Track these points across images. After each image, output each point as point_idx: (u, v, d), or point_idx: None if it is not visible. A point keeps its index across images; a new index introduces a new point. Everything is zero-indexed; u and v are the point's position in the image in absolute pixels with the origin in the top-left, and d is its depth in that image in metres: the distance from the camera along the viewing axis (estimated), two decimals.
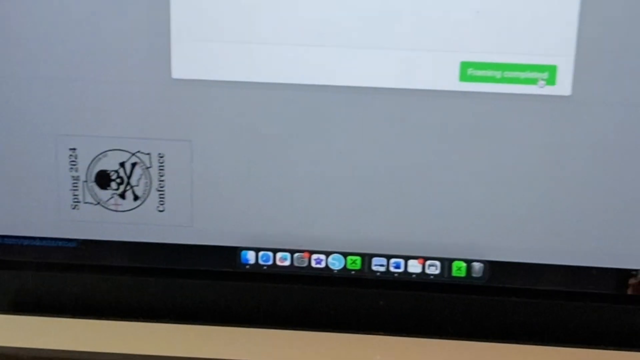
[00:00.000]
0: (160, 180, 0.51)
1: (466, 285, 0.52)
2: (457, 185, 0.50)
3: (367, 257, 0.52)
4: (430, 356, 0.50)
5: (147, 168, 0.51)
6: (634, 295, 0.51)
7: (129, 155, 0.51)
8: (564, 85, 0.48)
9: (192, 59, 0.49)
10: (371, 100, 0.49)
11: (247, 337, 0.51)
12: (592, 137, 0.49)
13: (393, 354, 0.50)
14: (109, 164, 0.51)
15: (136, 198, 0.52)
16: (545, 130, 0.49)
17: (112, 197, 0.52)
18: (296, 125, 0.50)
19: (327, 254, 0.52)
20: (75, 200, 0.52)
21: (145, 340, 0.51)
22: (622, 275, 0.51)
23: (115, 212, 0.52)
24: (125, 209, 0.52)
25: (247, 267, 0.52)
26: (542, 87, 0.48)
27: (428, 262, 0.52)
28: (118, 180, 0.52)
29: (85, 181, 0.52)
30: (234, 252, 0.52)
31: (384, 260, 0.52)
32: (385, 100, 0.49)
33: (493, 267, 0.51)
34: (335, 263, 0.52)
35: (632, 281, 0.51)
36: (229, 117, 0.50)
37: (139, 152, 0.51)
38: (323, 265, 0.52)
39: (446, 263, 0.52)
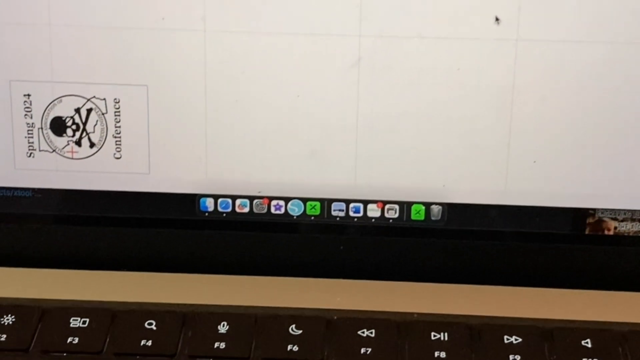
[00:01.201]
0: (117, 127, 0.51)
1: (425, 228, 0.52)
2: (415, 128, 0.50)
3: (326, 203, 0.52)
4: (390, 299, 0.50)
5: (103, 114, 0.51)
6: (592, 235, 0.51)
7: (84, 100, 0.51)
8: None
9: None
10: (326, 44, 0.49)
11: (207, 284, 0.51)
12: (543, 76, 0.49)
13: (353, 298, 0.50)
14: (64, 110, 0.51)
15: (92, 145, 0.51)
16: (498, 69, 0.49)
17: (68, 144, 0.51)
18: (253, 70, 0.50)
19: (287, 200, 0.52)
20: (31, 147, 0.51)
21: (103, 288, 0.50)
22: (580, 215, 0.51)
23: (71, 160, 0.51)
24: (82, 157, 0.51)
25: (206, 214, 0.52)
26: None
27: (387, 206, 0.52)
28: (74, 127, 0.51)
29: (41, 128, 0.51)
30: (192, 200, 0.52)
31: (343, 205, 0.52)
32: (341, 44, 0.49)
33: (452, 209, 0.51)
34: (295, 209, 0.52)
35: (589, 220, 0.51)
36: (185, 61, 0.50)
37: (94, 97, 0.50)
38: (282, 211, 0.52)
39: (405, 207, 0.52)
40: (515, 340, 0.47)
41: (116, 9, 0.49)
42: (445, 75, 0.49)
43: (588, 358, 0.46)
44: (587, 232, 0.51)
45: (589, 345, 0.47)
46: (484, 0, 0.48)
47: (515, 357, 0.46)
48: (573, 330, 0.48)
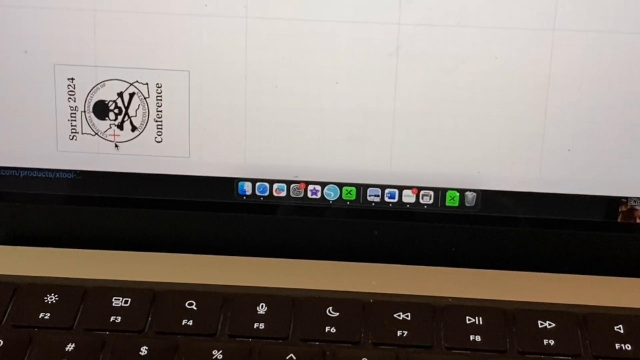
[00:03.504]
0: (158, 111, 0.52)
1: (459, 214, 0.53)
2: (451, 116, 0.51)
3: (362, 188, 0.53)
4: (424, 283, 0.51)
5: (145, 98, 0.52)
6: (624, 223, 0.52)
7: (127, 85, 0.51)
8: None
9: None
10: (366, 32, 0.50)
11: (246, 266, 0.52)
12: (579, 66, 0.50)
13: (388, 282, 0.51)
14: (107, 94, 0.52)
15: (134, 129, 0.52)
16: (534, 58, 0.50)
17: (110, 128, 0.52)
18: (292, 56, 0.51)
19: (323, 184, 0.53)
20: (74, 130, 0.52)
21: (143, 269, 0.51)
22: (613, 203, 0.52)
23: (113, 143, 0.52)
24: (123, 140, 0.52)
25: (244, 198, 0.53)
26: None
27: (422, 192, 0.53)
28: (116, 111, 0.52)
29: (84, 111, 0.52)
30: (231, 183, 0.53)
31: (378, 191, 0.53)
32: (381, 32, 0.50)
33: (486, 196, 0.52)
34: (331, 193, 0.53)
35: (622, 209, 0.52)
36: (227, 47, 0.51)
37: (137, 82, 0.51)
38: (319, 195, 0.53)
39: (440, 193, 0.53)
40: (550, 325, 0.48)
41: None
42: (483, 63, 0.50)
43: (621, 343, 0.47)
44: (619, 220, 0.52)
45: (622, 331, 0.48)
46: None
47: (550, 341, 0.47)
48: (606, 316, 0.48)
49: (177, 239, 0.53)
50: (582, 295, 0.50)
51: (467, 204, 0.52)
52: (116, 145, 0.52)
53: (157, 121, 0.52)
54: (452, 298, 0.50)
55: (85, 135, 0.52)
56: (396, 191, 0.53)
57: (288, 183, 0.53)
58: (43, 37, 0.51)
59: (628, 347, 0.47)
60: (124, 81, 0.51)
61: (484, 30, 0.49)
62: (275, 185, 0.53)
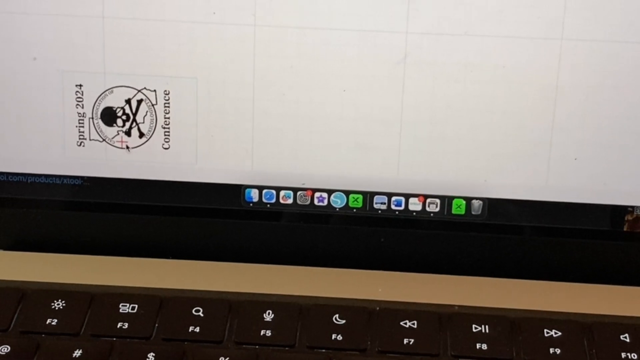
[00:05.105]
0: (166, 118, 0.52)
1: (466, 222, 0.53)
2: (458, 124, 0.51)
3: (368, 195, 0.53)
4: (430, 291, 0.51)
5: (153, 105, 0.52)
6: (630, 232, 0.52)
7: (134, 92, 0.52)
8: None
9: None
10: (373, 40, 0.50)
11: (252, 273, 0.52)
12: (586, 75, 0.50)
13: (394, 289, 0.51)
14: (115, 100, 0.52)
15: (141, 135, 0.52)
16: (542, 67, 0.50)
17: (117, 134, 0.52)
18: (300, 64, 0.51)
19: (330, 192, 0.53)
20: (81, 137, 0.52)
21: (150, 275, 0.52)
22: (619, 212, 0.52)
23: (120, 150, 0.53)
24: (131, 146, 0.52)
25: (251, 205, 0.53)
26: None
27: (428, 200, 0.53)
28: (124, 117, 0.52)
29: (92, 118, 0.52)
30: (238, 190, 0.53)
31: (385, 199, 0.53)
32: (389, 40, 0.50)
33: (492, 204, 0.52)
34: (338, 201, 0.53)
35: (628, 218, 0.52)
36: (235, 55, 0.51)
37: (144, 88, 0.52)
38: (325, 203, 0.53)
39: (446, 201, 0.53)
40: (555, 334, 0.48)
41: (168, 3, 0.50)
42: (490, 72, 0.50)
43: (627, 352, 0.47)
44: (625, 229, 0.52)
45: (628, 340, 0.48)
46: None
47: (555, 350, 0.47)
48: (612, 325, 0.48)
49: (183, 246, 0.53)
50: (588, 304, 0.50)
51: (473, 212, 0.53)
52: (127, 148, 0.52)
53: (164, 128, 0.52)
54: (459, 306, 0.50)
55: (93, 141, 0.52)
56: (403, 199, 0.53)
57: (295, 190, 0.53)
58: (51, 44, 0.51)
59: (634, 356, 0.47)
60: (132, 88, 0.52)
61: (492, 39, 0.50)
62: (282, 193, 0.53)
